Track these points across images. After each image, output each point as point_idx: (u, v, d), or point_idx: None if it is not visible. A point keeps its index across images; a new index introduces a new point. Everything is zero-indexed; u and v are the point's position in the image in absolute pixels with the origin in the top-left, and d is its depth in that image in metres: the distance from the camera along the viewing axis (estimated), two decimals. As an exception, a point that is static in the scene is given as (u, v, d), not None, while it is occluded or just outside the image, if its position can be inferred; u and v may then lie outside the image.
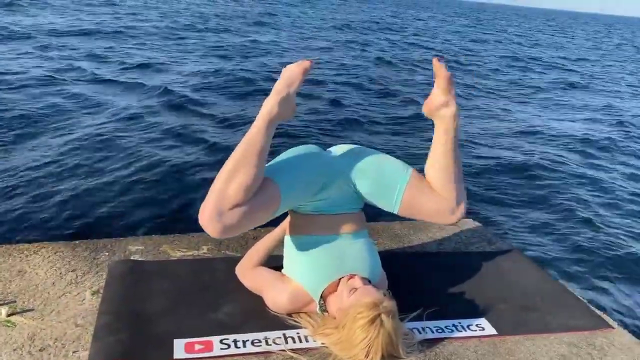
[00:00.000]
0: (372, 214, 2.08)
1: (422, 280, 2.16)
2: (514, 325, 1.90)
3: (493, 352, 1.74)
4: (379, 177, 1.85)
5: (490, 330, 1.85)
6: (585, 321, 1.97)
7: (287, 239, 1.88)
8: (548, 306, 2.04)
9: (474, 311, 1.95)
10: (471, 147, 6.59)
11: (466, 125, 7.67)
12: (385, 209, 1.89)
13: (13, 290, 1.85)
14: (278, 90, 1.67)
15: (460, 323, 1.86)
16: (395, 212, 1.87)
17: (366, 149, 1.94)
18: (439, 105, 1.80)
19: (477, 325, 1.87)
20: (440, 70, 1.77)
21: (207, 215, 1.55)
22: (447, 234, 2.63)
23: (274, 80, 1.72)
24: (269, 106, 1.65)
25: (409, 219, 2.80)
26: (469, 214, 3.23)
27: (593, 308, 2.09)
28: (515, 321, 1.92)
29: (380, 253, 1.98)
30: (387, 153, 1.96)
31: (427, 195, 1.84)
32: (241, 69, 9.95)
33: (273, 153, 1.83)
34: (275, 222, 2.00)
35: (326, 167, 1.83)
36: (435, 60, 1.77)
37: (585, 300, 2.15)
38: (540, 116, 8.94)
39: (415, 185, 1.84)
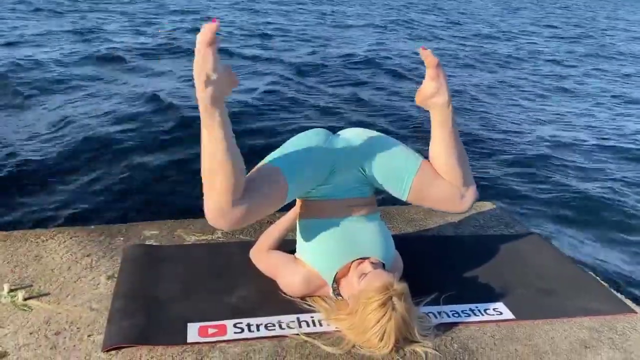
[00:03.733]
0: (387, 198, 2.05)
1: (439, 264, 2.13)
2: (532, 309, 1.86)
3: (511, 337, 1.71)
4: (389, 162, 1.82)
5: (508, 314, 1.81)
6: (606, 305, 1.92)
7: (299, 223, 1.86)
8: (568, 290, 1.99)
9: (491, 295, 1.92)
10: (493, 129, 6.47)
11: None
12: (394, 195, 1.86)
13: (30, 274, 1.86)
14: (196, 75, 1.41)
15: (477, 307, 1.83)
16: (404, 199, 1.85)
17: (376, 132, 1.91)
18: (430, 94, 1.74)
19: (494, 309, 1.83)
20: (428, 58, 1.68)
21: (211, 216, 1.51)
22: (464, 217, 2.58)
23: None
24: (199, 98, 1.42)
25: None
26: (487, 196, 3.19)
27: (614, 292, 2.04)
28: (534, 305, 1.88)
29: (395, 237, 1.95)
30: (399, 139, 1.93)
31: (437, 183, 1.81)
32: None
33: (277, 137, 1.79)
34: (288, 206, 1.98)
35: (335, 151, 1.80)
36: (421, 49, 1.69)
37: (606, 284, 2.09)
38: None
39: (426, 173, 1.81)
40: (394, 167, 1.82)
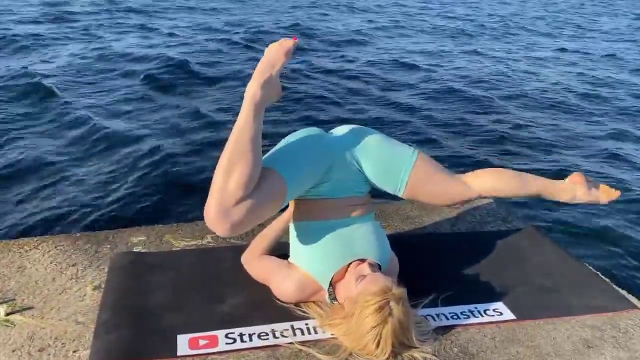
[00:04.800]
0: (381, 195, 2.00)
1: (436, 264, 2.07)
2: (533, 308, 1.81)
3: (512, 339, 1.65)
4: (384, 157, 1.78)
5: (508, 315, 1.76)
6: (608, 302, 1.87)
7: (292, 226, 1.80)
8: (568, 287, 1.95)
9: (490, 295, 1.86)
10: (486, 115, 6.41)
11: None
12: (390, 192, 1.82)
13: (12, 287, 1.79)
14: (260, 72, 1.56)
15: (476, 308, 1.78)
16: (400, 194, 1.81)
17: (370, 129, 1.86)
18: (589, 197, 1.92)
19: (494, 310, 1.78)
20: (614, 196, 1.93)
21: (213, 215, 1.45)
22: (460, 213, 2.53)
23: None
24: (251, 91, 1.54)
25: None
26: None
27: (616, 287, 1.99)
28: (535, 304, 1.83)
29: (391, 236, 1.90)
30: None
31: (434, 180, 1.80)
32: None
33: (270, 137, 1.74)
34: (281, 209, 1.92)
35: (329, 150, 1.75)
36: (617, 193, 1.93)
37: (607, 279, 2.05)
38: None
39: (422, 169, 1.78)
40: (389, 162, 1.78)
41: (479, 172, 1.89)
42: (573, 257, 2.23)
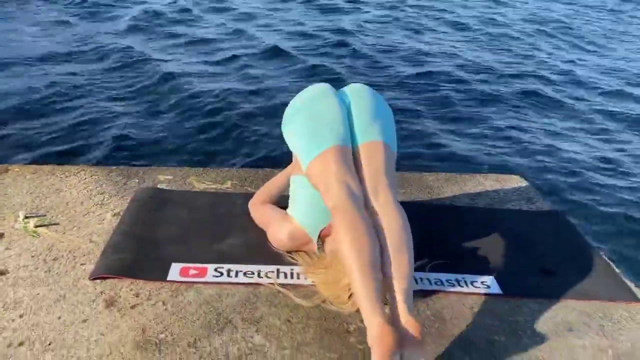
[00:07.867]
0: (407, 163, 2.00)
1: (439, 233, 2.07)
2: (524, 287, 1.78)
3: (490, 311, 1.65)
4: (357, 123, 1.75)
5: (495, 289, 1.75)
6: (609, 291, 1.80)
7: (292, 180, 1.87)
8: (572, 272, 1.89)
9: (484, 269, 1.85)
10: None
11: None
12: None
13: (46, 205, 2.03)
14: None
15: (463, 278, 1.78)
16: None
17: (375, 94, 1.84)
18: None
19: (482, 282, 1.78)
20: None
21: None
22: (483, 188, 2.49)
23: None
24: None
25: (444, 170, 2.72)
26: (520, 170, 3.00)
27: (626, 280, 1.90)
28: (528, 283, 1.80)
29: (406, 203, 1.92)
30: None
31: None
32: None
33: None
34: (289, 161, 1.98)
35: (335, 112, 1.77)
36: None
37: (619, 271, 1.96)
38: None
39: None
40: (354, 129, 1.74)
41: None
42: (592, 246, 2.14)
